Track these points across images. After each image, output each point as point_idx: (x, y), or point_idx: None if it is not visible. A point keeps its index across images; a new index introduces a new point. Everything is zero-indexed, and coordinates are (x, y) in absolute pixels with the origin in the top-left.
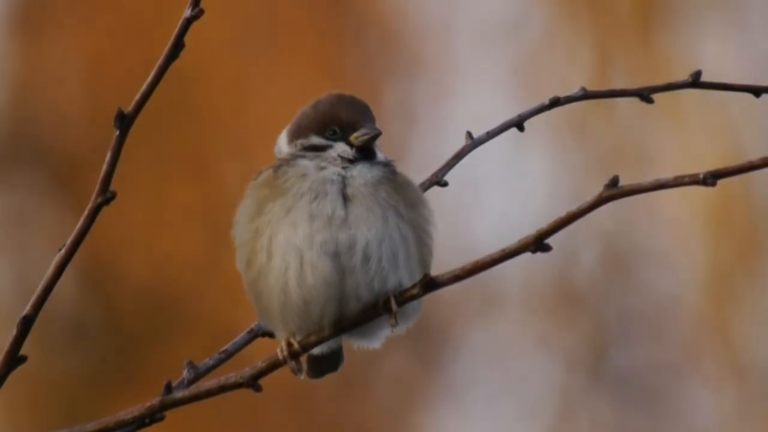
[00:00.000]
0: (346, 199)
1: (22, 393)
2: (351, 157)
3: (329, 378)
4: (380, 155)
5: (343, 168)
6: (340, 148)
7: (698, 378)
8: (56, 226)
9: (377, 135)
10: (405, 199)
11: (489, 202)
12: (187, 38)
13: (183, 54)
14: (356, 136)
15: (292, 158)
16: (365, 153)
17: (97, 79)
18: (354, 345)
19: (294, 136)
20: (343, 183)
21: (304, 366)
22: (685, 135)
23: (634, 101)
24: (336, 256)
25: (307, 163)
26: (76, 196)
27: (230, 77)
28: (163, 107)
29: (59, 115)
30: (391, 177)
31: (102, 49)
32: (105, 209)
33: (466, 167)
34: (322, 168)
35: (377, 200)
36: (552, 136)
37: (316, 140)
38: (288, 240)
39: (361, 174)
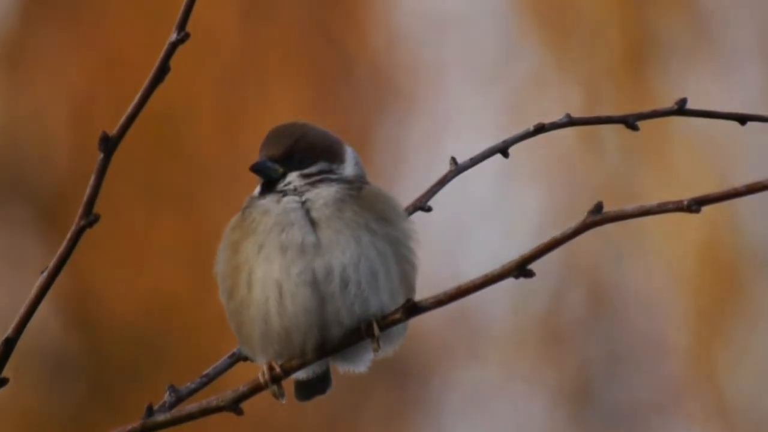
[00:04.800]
0: (313, 223)
1: (6, 427)
2: (296, 186)
3: (314, 412)
4: (347, 170)
5: (299, 194)
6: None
7: (683, 417)
8: (43, 261)
9: (253, 169)
10: (375, 213)
11: (479, 236)
12: (177, 75)
13: (172, 91)
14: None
15: (252, 199)
16: (269, 183)
17: (84, 114)
18: (339, 369)
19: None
20: (305, 208)
21: (287, 389)
22: (673, 171)
23: (623, 136)
24: (314, 284)
25: (265, 201)
26: (63, 231)
27: (218, 115)
28: (151, 144)
29: (45, 149)
30: (356, 193)
31: (88, 85)
32: (92, 245)
33: (457, 201)
34: (279, 200)
35: (344, 221)
36: (541, 171)
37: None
38: (266, 274)
39: (318, 195)
